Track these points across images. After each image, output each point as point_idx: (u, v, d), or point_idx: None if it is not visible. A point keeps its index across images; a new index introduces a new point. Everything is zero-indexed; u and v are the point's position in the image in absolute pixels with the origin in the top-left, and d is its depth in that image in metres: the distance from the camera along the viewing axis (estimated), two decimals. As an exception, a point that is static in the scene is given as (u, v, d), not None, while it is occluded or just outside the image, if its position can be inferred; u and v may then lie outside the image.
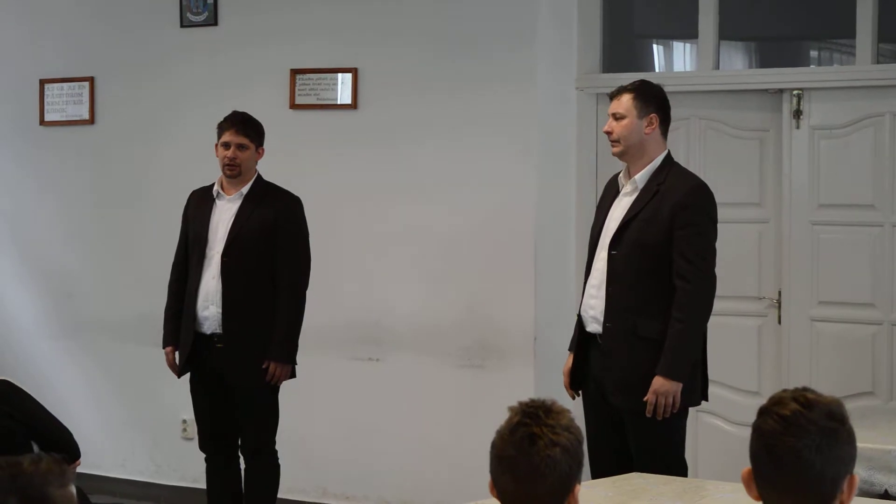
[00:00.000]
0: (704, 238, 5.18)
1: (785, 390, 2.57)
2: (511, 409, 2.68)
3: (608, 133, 5.28)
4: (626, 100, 5.25)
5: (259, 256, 5.95)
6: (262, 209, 5.99)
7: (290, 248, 5.99)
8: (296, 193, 6.12)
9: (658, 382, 5.07)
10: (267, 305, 5.95)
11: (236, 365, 5.93)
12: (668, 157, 5.30)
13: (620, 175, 5.36)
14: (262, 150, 6.06)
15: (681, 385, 5.08)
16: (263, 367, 5.93)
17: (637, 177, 5.24)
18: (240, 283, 5.94)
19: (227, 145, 6.00)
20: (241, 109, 6.15)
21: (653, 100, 5.27)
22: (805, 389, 2.56)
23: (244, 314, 5.94)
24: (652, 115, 5.24)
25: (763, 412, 2.55)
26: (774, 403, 2.54)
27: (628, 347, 5.15)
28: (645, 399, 5.08)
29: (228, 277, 5.94)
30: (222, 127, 6.04)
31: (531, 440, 2.61)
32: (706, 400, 5.36)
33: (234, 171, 5.99)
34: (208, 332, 5.98)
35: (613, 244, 5.21)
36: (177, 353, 6.08)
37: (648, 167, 5.24)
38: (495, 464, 2.67)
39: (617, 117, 5.25)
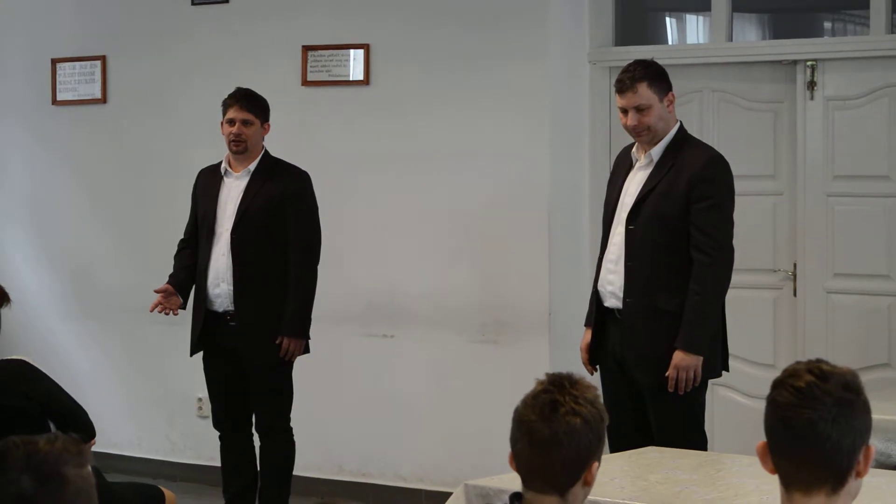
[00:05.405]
0: (721, 210, 5.17)
1: (799, 362, 2.56)
2: (539, 379, 2.70)
3: (635, 127, 5.20)
4: (643, 89, 5.17)
5: (268, 233, 5.95)
6: (270, 185, 5.99)
7: (300, 224, 5.99)
8: (309, 170, 6.13)
9: (678, 357, 5.07)
10: (278, 281, 5.96)
11: (250, 342, 5.94)
12: (682, 129, 5.28)
13: (634, 149, 5.33)
14: (268, 125, 6.07)
15: (701, 358, 5.08)
16: (277, 342, 5.94)
17: (652, 150, 5.22)
18: (250, 260, 5.94)
19: (231, 122, 6.00)
20: (253, 87, 6.16)
21: (663, 78, 5.25)
22: (819, 361, 2.54)
23: (256, 291, 5.95)
24: (669, 93, 5.23)
25: (777, 384, 2.54)
26: (789, 375, 2.53)
27: (649, 322, 5.14)
28: (666, 374, 5.07)
29: (238, 254, 5.94)
30: (226, 104, 6.05)
31: (553, 406, 2.63)
32: (727, 371, 5.36)
33: (239, 146, 5.99)
34: (220, 310, 6.00)
35: (631, 218, 5.19)
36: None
37: (664, 140, 5.23)
38: (515, 428, 2.68)
39: (641, 109, 5.18)
